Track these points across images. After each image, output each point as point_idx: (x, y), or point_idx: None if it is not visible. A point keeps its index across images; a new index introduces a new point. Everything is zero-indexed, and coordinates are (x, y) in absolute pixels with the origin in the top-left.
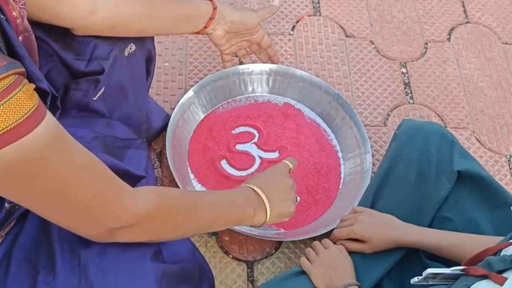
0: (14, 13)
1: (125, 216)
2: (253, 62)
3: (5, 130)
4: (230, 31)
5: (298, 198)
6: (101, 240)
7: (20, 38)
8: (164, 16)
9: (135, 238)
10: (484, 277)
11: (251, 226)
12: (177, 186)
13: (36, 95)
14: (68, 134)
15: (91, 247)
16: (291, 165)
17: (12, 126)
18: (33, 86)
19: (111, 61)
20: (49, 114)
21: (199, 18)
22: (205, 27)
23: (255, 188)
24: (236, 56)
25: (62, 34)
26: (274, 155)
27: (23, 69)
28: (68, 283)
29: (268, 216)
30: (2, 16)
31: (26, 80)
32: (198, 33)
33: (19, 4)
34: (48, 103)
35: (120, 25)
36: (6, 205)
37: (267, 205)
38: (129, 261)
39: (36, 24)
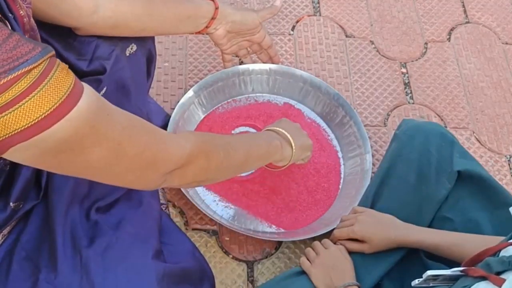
0: (22, 12)
1: (174, 158)
2: (254, 62)
3: (52, 109)
4: (231, 31)
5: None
6: (157, 187)
7: (26, 36)
8: (165, 16)
9: (185, 180)
10: (483, 278)
11: (282, 165)
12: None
13: (70, 71)
14: (105, 99)
15: (93, 246)
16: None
17: (57, 104)
18: (66, 65)
19: (112, 61)
20: (86, 86)
21: (200, 18)
22: (206, 27)
23: (275, 128)
24: (237, 56)
25: (64, 34)
26: None
27: (53, 52)
28: (70, 282)
29: (293, 148)
30: (10, 15)
31: (58, 60)
32: (199, 33)
33: (26, 3)
34: None
35: (121, 24)
36: (11, 204)
37: (290, 138)
38: (131, 260)
39: (39, 24)
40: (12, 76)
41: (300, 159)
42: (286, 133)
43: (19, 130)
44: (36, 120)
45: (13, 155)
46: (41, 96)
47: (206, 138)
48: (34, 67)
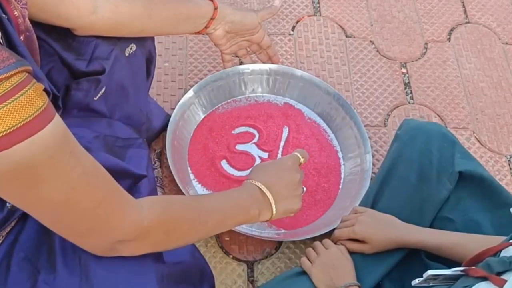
0: (16, 13)
1: (128, 228)
2: (253, 62)
3: (15, 128)
4: (231, 31)
5: (304, 189)
6: (105, 254)
7: (21, 37)
8: (164, 16)
9: (139, 251)
10: (484, 278)
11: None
12: (177, 186)
13: (45, 94)
14: (74, 137)
15: None
16: (302, 159)
17: (22, 123)
18: (42, 86)
19: (111, 61)
20: (57, 115)
21: (199, 18)
22: (205, 27)
23: (260, 186)
24: (236, 56)
25: (63, 34)
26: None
27: (30, 67)
28: (69, 283)
29: (273, 214)
30: (3, 15)
31: (34, 79)
32: (198, 33)
33: (21, 4)
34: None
35: (121, 25)
36: (8, 204)
37: (273, 203)
38: (130, 260)
39: (37, 24)
40: None
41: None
42: (271, 199)
43: None
44: None
45: None
46: (8, 110)
47: (173, 214)
48: (5, 78)
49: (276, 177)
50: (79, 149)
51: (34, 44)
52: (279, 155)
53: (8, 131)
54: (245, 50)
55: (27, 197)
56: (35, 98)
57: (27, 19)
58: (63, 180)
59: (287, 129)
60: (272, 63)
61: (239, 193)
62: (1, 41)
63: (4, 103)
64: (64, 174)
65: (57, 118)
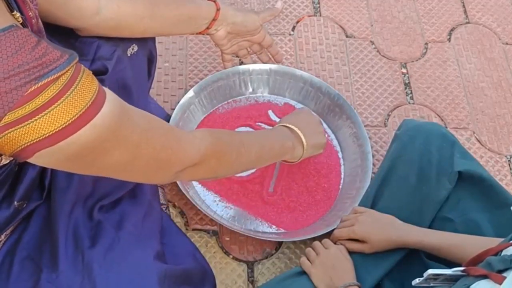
0: (31, 13)
1: (187, 159)
2: (254, 62)
3: (78, 115)
4: (232, 32)
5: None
6: (167, 182)
7: None
8: (166, 17)
9: (196, 176)
10: (484, 276)
11: (291, 161)
12: (177, 186)
13: (94, 77)
14: (125, 103)
15: (95, 246)
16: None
17: (83, 110)
18: (89, 71)
19: (114, 61)
20: (108, 91)
21: (201, 19)
22: (207, 28)
23: (290, 126)
24: (237, 56)
25: (66, 34)
26: None
27: (77, 58)
28: (71, 281)
29: (305, 148)
30: (22, 16)
31: (83, 66)
32: (200, 33)
33: (33, 4)
34: None
35: (123, 26)
36: (16, 203)
37: (303, 138)
38: (132, 261)
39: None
40: (42, 83)
41: (312, 155)
42: (300, 132)
43: (46, 135)
44: (63, 126)
45: (37, 159)
46: (68, 103)
47: (222, 139)
48: (62, 74)
49: (300, 118)
50: (133, 110)
51: None
52: None
53: (72, 120)
54: (246, 51)
55: (95, 167)
56: (88, 84)
57: (39, 20)
58: (127, 145)
59: None
60: (275, 61)
61: (274, 131)
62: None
63: (64, 96)
64: (126, 140)
65: (110, 95)
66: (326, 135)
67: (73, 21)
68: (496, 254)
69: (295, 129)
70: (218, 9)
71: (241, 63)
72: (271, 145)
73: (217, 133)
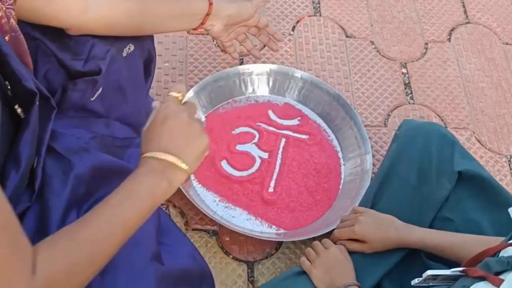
0: (0, 13)
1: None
2: (254, 62)
3: None
4: (228, 23)
5: (203, 118)
6: None
7: (6, 37)
8: (158, 13)
9: None
10: (482, 278)
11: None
12: None
13: None
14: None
15: None
16: (178, 95)
17: None
18: None
19: (108, 61)
20: None
21: (195, 14)
22: (202, 23)
23: (156, 155)
24: (237, 41)
25: (60, 34)
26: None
27: None
28: None
29: (187, 167)
30: None
31: None
32: (196, 29)
33: (6, 4)
34: (37, 102)
35: (115, 23)
36: None
37: (179, 162)
38: (129, 262)
39: (33, 25)
40: None
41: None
42: (173, 158)
43: None
44: None
45: None
46: None
47: (61, 261)
48: None
49: (167, 132)
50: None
51: (22, 45)
52: (279, 156)
53: None
54: (244, 35)
55: None
56: None
57: (12, 20)
58: None
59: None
60: (276, 40)
61: (135, 183)
62: None
63: None
64: None
65: None
66: (326, 135)
67: (59, 21)
68: (494, 255)
69: (166, 156)
70: (211, 4)
71: (241, 63)
72: (136, 214)
73: (53, 256)
